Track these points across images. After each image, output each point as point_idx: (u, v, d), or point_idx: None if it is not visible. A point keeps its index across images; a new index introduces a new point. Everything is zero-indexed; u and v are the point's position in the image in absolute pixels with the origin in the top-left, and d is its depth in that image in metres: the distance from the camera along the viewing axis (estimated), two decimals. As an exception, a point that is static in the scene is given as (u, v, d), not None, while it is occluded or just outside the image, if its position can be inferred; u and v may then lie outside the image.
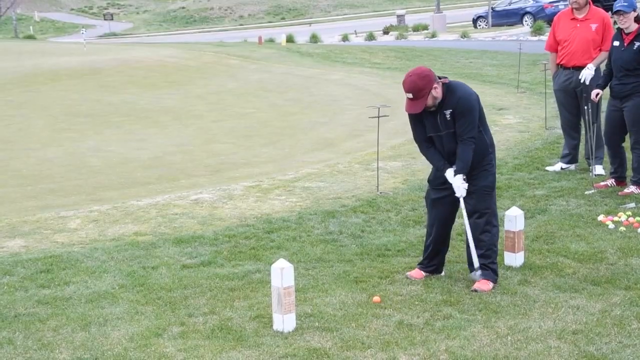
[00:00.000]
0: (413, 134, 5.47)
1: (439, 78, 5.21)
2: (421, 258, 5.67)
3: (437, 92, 5.14)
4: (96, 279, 5.74)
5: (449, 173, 5.25)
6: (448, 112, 5.18)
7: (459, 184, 5.22)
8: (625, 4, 7.29)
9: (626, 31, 7.34)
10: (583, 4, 8.21)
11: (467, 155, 5.19)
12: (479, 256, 5.35)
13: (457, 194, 5.27)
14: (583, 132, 8.65)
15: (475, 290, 5.25)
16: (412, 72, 5.22)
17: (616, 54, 7.45)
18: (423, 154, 5.51)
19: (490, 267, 5.36)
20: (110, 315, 5.04)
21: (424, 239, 5.74)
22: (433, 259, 5.60)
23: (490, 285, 5.31)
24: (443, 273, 5.64)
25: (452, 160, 5.28)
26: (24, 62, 23.51)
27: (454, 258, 5.89)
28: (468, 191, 5.29)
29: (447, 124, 5.22)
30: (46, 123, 14.05)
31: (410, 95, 5.14)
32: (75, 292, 5.48)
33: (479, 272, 5.32)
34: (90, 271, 5.92)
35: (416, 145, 5.55)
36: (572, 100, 8.47)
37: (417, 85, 5.10)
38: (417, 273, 5.58)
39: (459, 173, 5.21)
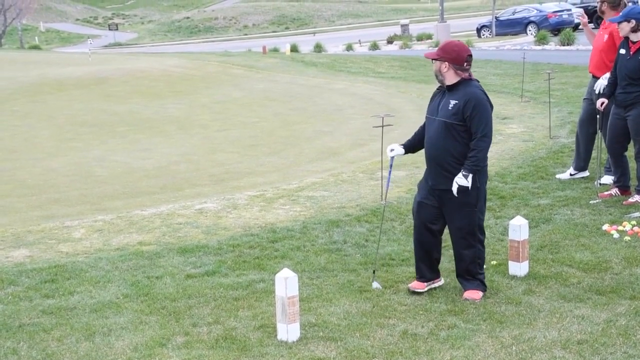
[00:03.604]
0: None
1: (469, 75, 5.21)
2: (415, 268, 5.59)
3: (442, 68, 5.20)
4: (100, 289, 5.75)
5: (396, 148, 5.51)
6: (453, 102, 5.17)
7: (462, 182, 5.12)
8: (622, 13, 7.30)
9: (633, 40, 7.31)
10: (601, 11, 8.15)
11: (480, 152, 5.10)
12: (464, 269, 5.36)
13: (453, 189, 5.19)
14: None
15: (467, 299, 5.26)
16: (461, 43, 5.34)
17: (621, 62, 7.39)
18: None
19: (477, 278, 5.36)
20: (114, 325, 5.04)
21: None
22: (420, 267, 5.50)
23: (480, 294, 5.32)
24: (442, 282, 5.59)
25: (431, 150, 5.29)
26: (30, 72, 23.60)
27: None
28: (450, 207, 5.27)
29: (445, 111, 5.20)
30: (51, 133, 14.09)
31: (437, 46, 5.25)
32: (80, 302, 5.48)
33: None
34: (95, 281, 5.92)
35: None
36: (588, 107, 8.40)
37: (448, 47, 5.25)
38: (418, 284, 5.52)
39: (468, 172, 5.10)
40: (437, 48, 5.36)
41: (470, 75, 5.25)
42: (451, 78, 5.21)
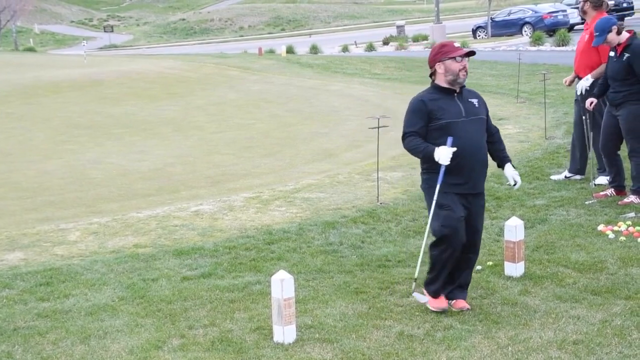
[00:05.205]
0: (408, 124, 5.03)
1: None
2: (437, 286, 5.11)
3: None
4: (96, 292, 5.74)
5: (440, 151, 4.87)
6: (474, 100, 5.17)
7: (514, 173, 5.33)
8: (596, 34, 7.40)
9: (619, 42, 7.42)
10: (583, 11, 8.18)
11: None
12: (466, 279, 5.19)
13: (512, 182, 5.34)
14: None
15: (462, 309, 5.11)
16: None
17: (610, 64, 7.57)
18: (407, 144, 5.05)
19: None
20: (110, 328, 5.03)
21: (436, 264, 5.09)
22: (445, 287, 5.17)
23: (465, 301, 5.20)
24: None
25: (476, 151, 5.01)
26: (24, 75, 23.58)
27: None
28: (477, 212, 5.07)
29: (475, 109, 5.11)
30: (46, 135, 14.08)
31: (458, 44, 5.18)
32: (75, 305, 5.47)
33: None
34: (90, 284, 5.91)
35: (405, 138, 5.07)
36: (578, 109, 8.42)
37: None
38: (443, 302, 5.13)
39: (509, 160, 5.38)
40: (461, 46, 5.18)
41: None
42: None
